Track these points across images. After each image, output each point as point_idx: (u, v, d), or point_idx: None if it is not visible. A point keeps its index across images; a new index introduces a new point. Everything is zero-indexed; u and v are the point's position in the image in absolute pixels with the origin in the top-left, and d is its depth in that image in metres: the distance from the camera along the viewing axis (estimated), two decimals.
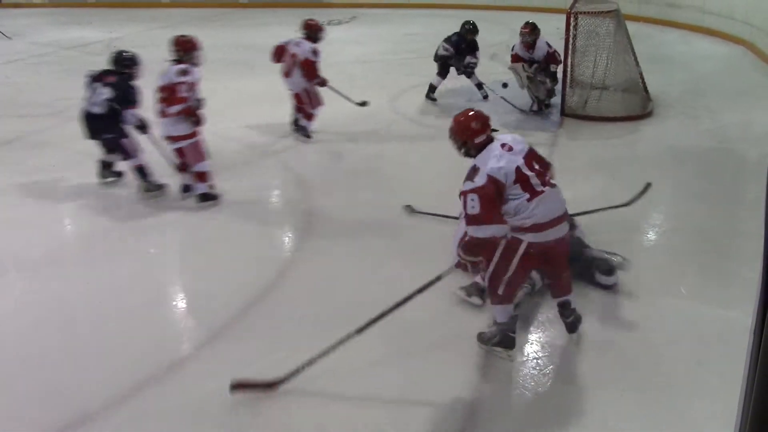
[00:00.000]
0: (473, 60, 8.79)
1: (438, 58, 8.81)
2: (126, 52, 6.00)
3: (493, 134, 3.69)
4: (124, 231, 5.51)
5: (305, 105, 7.44)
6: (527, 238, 3.56)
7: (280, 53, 7.39)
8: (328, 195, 6.11)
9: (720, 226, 5.25)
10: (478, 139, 3.64)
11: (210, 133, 7.82)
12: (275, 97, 8.74)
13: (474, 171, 3.53)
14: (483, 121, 3.69)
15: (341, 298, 4.38)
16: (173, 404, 3.46)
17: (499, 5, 15.92)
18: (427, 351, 3.86)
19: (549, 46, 8.31)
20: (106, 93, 5.75)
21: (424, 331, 4.00)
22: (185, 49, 5.71)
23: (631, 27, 9.01)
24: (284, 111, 7.71)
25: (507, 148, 3.59)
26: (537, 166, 3.59)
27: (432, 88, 8.99)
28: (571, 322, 3.89)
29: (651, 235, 5.18)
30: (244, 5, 19.02)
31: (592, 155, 6.91)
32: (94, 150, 5.93)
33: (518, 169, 3.51)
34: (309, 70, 7.19)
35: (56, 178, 6.58)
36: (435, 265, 4.74)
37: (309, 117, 7.51)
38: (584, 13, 8.25)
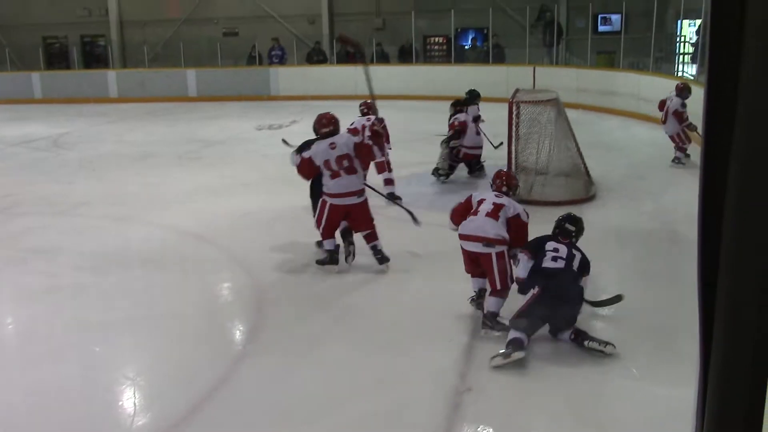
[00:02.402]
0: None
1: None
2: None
3: None
4: (68, 329, 5.34)
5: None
6: (329, 200, 5.88)
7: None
8: (279, 284, 6.04)
9: (666, 305, 5.33)
10: (323, 130, 6.07)
11: (157, 226, 7.81)
12: (224, 190, 8.74)
13: (307, 147, 6.14)
14: (331, 121, 6.11)
15: (296, 391, 4.27)
16: None
17: (441, 95, 16.37)
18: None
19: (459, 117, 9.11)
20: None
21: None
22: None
23: (571, 114, 9.35)
24: (233, 203, 7.69)
25: (332, 146, 5.88)
26: (345, 163, 5.83)
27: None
28: (379, 257, 6.02)
29: (599, 318, 5.23)
30: (192, 99, 19.23)
31: None
32: (36, 246, 5.80)
33: (327, 161, 5.85)
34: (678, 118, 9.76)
35: None
36: (391, 351, 4.73)
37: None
38: (525, 102, 8.56)
